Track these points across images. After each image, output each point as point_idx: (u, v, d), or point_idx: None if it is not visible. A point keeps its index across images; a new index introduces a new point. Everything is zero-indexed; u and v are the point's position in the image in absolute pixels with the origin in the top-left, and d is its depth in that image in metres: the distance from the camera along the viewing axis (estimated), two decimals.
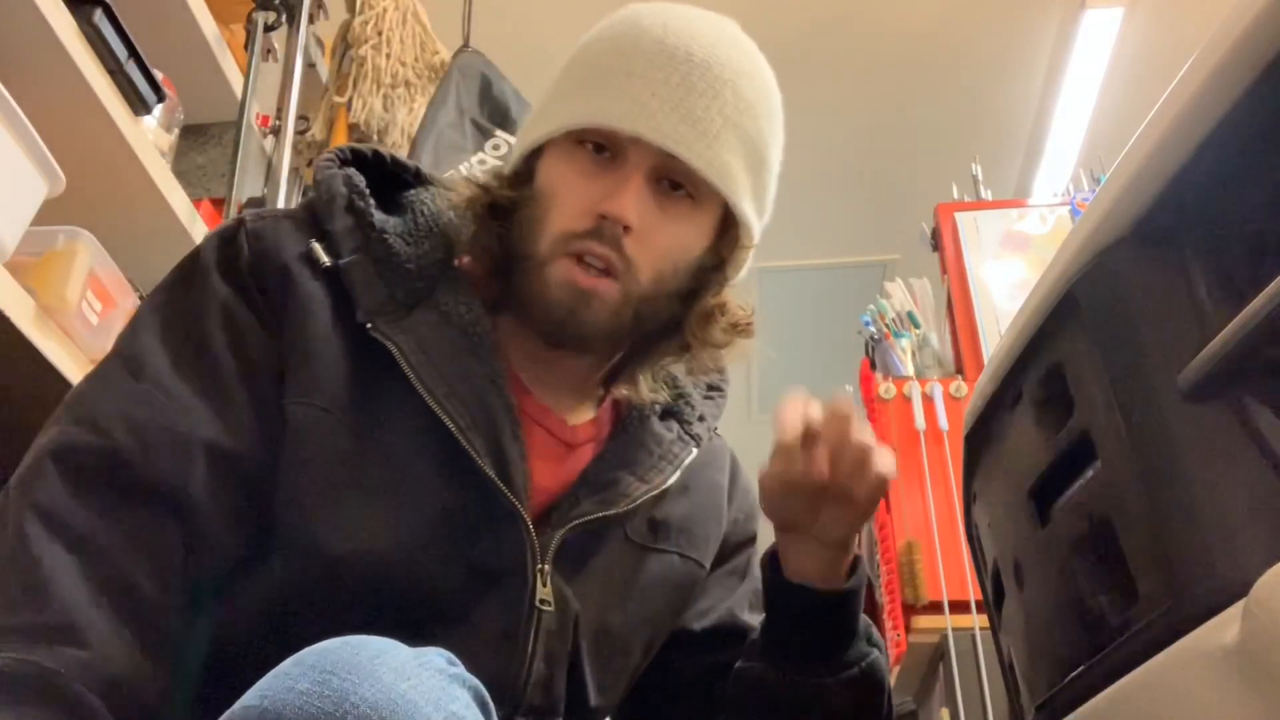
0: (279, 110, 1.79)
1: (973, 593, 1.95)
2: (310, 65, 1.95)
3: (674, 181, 0.81)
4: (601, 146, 0.81)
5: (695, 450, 0.91)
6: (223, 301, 0.79)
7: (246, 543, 0.75)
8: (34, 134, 1.18)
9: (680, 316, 0.86)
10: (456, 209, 0.86)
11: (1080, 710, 0.62)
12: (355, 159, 0.88)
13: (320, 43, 2.06)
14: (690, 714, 0.95)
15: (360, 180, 0.84)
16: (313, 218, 0.84)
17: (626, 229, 0.79)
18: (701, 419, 0.95)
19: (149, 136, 1.54)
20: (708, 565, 0.93)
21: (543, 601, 0.78)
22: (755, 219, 0.86)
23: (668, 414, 0.92)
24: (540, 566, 0.78)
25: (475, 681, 0.60)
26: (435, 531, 0.76)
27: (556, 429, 0.87)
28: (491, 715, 0.62)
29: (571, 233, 0.80)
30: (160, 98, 1.52)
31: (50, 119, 1.27)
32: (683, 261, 0.84)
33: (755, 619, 0.96)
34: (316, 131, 1.91)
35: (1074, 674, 0.63)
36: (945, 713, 1.94)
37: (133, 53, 1.44)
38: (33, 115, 1.18)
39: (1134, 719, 0.56)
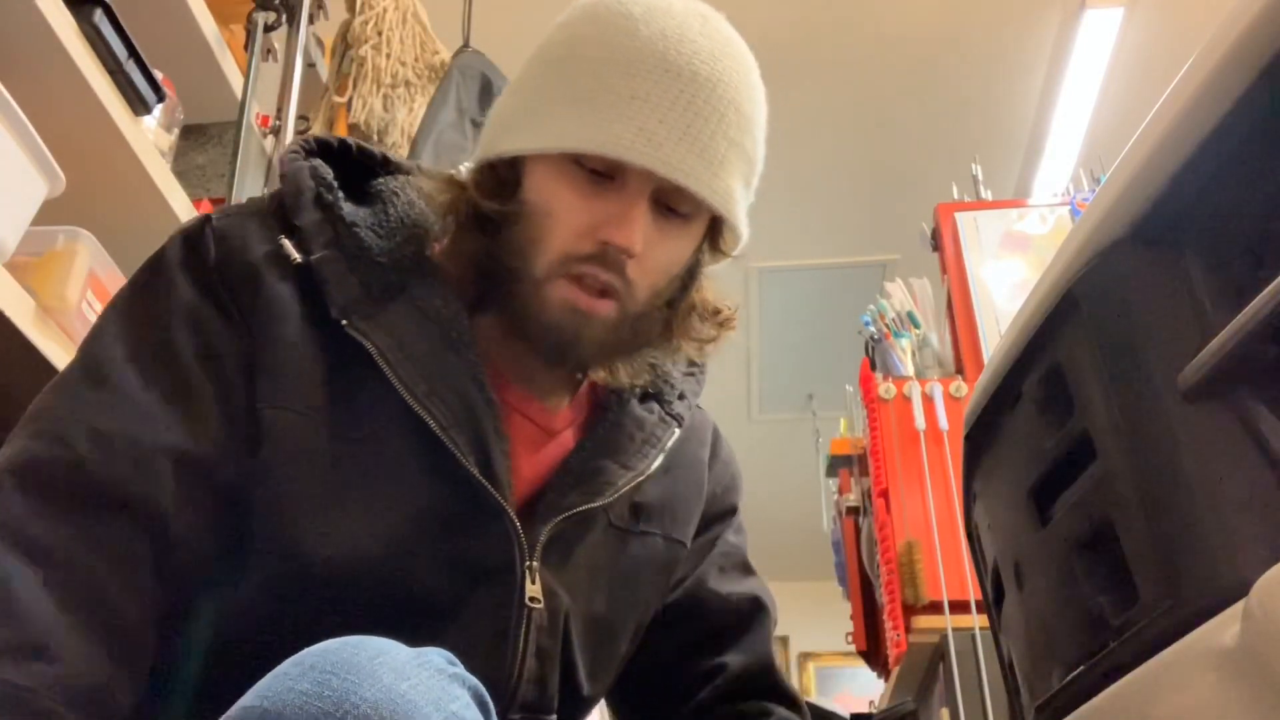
0: (279, 110, 1.79)
1: (973, 593, 1.95)
2: (310, 65, 1.95)
3: (670, 203, 0.80)
4: (601, 169, 0.79)
5: (678, 430, 0.91)
6: (188, 304, 0.77)
7: (224, 548, 0.74)
8: (34, 134, 1.18)
9: (668, 318, 0.86)
10: (435, 208, 0.84)
11: (1080, 710, 0.62)
12: (321, 149, 0.86)
13: (320, 43, 2.06)
14: (670, 695, 0.94)
15: (328, 172, 0.82)
16: (281, 213, 0.82)
17: (630, 254, 0.78)
18: (682, 397, 0.94)
19: (149, 136, 1.54)
20: (689, 543, 0.93)
21: (532, 599, 0.77)
22: (746, 228, 0.85)
23: (648, 395, 0.91)
24: (529, 563, 0.78)
25: (475, 681, 0.60)
26: (420, 531, 0.76)
27: (538, 416, 0.86)
28: (491, 715, 0.62)
29: (573, 255, 0.79)
30: (160, 98, 1.52)
31: (50, 119, 1.27)
32: (675, 273, 0.84)
33: (725, 584, 0.96)
34: (316, 131, 1.91)
35: (1074, 674, 0.63)
36: (945, 713, 1.94)
37: (133, 53, 1.44)
38: (33, 115, 1.18)
39: (1134, 719, 0.56)
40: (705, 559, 0.96)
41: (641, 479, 0.86)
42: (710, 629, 0.95)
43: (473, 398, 0.78)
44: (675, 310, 0.86)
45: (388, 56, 1.98)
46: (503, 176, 0.83)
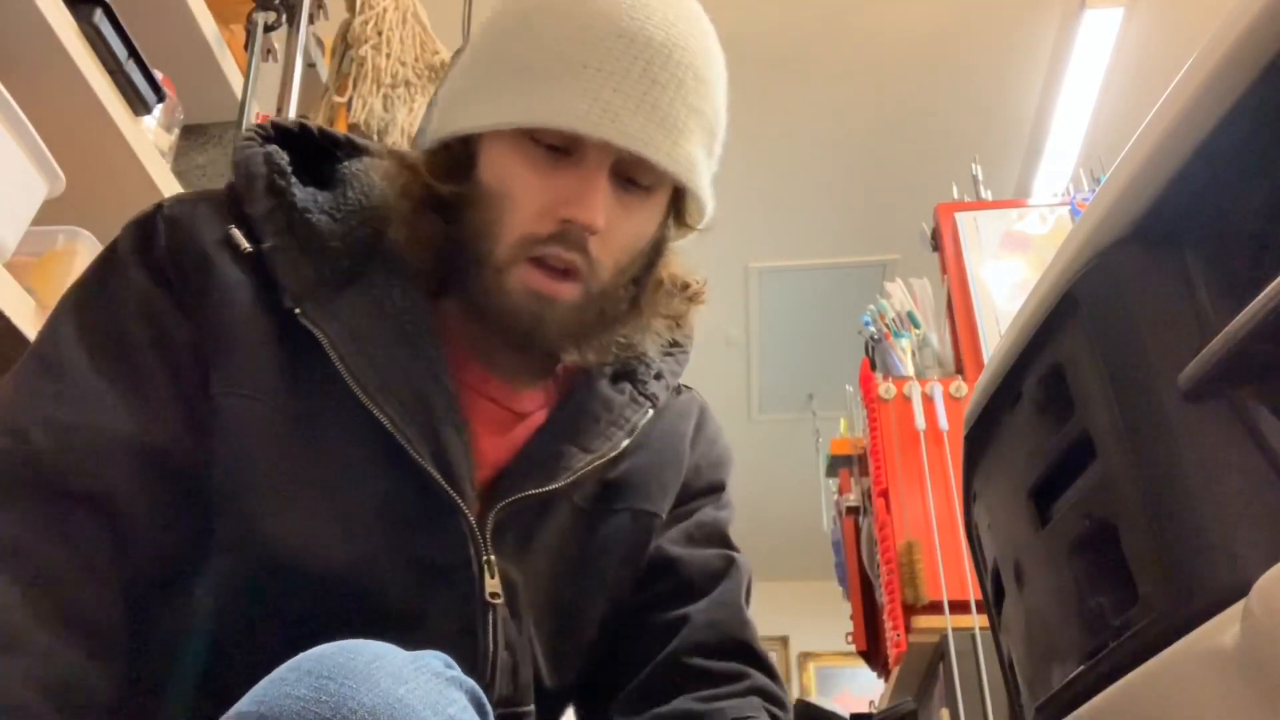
0: (279, 110, 1.79)
1: (973, 593, 1.95)
2: (310, 65, 1.95)
3: (631, 175, 0.78)
4: (557, 144, 0.76)
5: (650, 411, 0.88)
6: (141, 292, 0.76)
7: (191, 539, 0.74)
8: (34, 134, 1.18)
9: (636, 295, 0.84)
10: (390, 191, 0.82)
11: (1080, 710, 0.62)
12: (280, 134, 0.84)
13: (320, 43, 2.06)
14: (632, 656, 0.88)
15: (282, 158, 0.81)
16: (234, 200, 0.81)
17: (592, 231, 0.76)
18: (659, 377, 0.91)
19: (149, 136, 1.54)
20: (663, 514, 0.89)
21: (492, 594, 0.76)
22: (711, 199, 0.83)
23: (621, 375, 0.89)
24: (486, 558, 0.76)
25: (472, 684, 0.60)
26: (377, 527, 0.75)
27: (503, 398, 0.84)
28: (488, 716, 0.62)
29: (533, 237, 0.77)
30: (160, 98, 1.52)
31: (50, 119, 1.27)
32: (639, 248, 0.82)
33: (695, 548, 0.90)
34: None
35: (1074, 674, 0.62)
36: (945, 713, 1.94)
37: (133, 53, 1.44)
38: (33, 115, 1.18)
39: (1134, 719, 0.56)
40: (677, 527, 0.91)
41: (602, 461, 0.83)
42: (675, 584, 0.89)
43: (427, 390, 0.77)
44: (642, 287, 0.84)
45: (388, 56, 1.97)
46: (457, 156, 0.81)
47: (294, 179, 0.80)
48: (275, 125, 0.85)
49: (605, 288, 0.80)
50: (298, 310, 0.76)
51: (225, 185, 0.83)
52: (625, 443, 0.85)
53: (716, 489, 0.96)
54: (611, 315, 0.83)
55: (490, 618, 0.76)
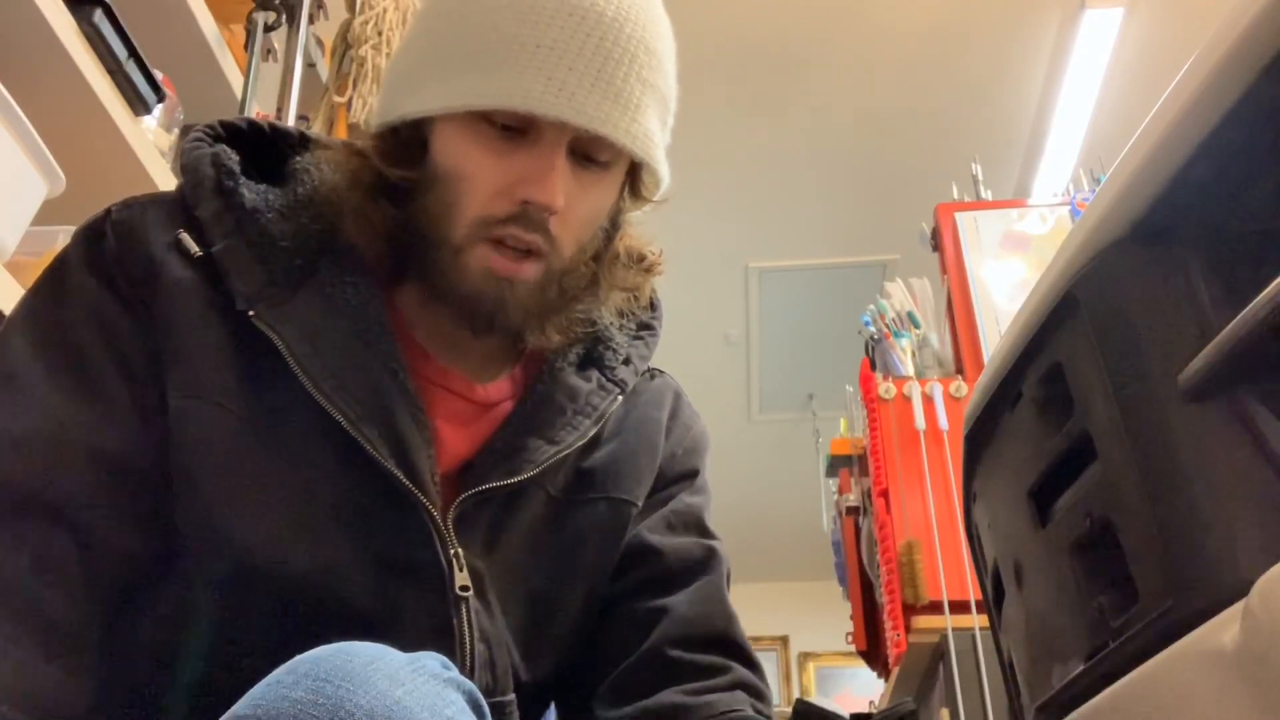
0: (279, 110, 1.79)
1: (973, 593, 1.95)
2: (310, 65, 1.95)
3: (588, 152, 0.78)
4: (513, 125, 0.76)
5: (619, 397, 0.87)
6: (91, 299, 0.76)
7: (154, 541, 0.74)
8: (34, 134, 1.18)
9: (594, 270, 0.84)
10: (340, 182, 0.81)
11: (1080, 710, 0.62)
12: (231, 133, 0.84)
13: (320, 43, 2.06)
14: (611, 647, 0.87)
15: (230, 158, 0.80)
16: (184, 202, 0.80)
17: (552, 212, 0.76)
18: (627, 362, 0.90)
19: (149, 136, 1.54)
20: (639, 502, 0.88)
21: (463, 588, 0.75)
22: (666, 171, 0.83)
23: (588, 362, 0.88)
24: (454, 551, 0.76)
25: (470, 685, 0.60)
26: (342, 528, 0.74)
27: (466, 391, 0.84)
28: (485, 717, 0.61)
29: (491, 218, 0.76)
30: (160, 98, 1.52)
31: (50, 119, 1.27)
32: (599, 224, 0.82)
33: (673, 536, 0.90)
34: (317, 130, 1.91)
35: (1074, 674, 0.63)
36: (945, 713, 1.94)
37: (133, 53, 1.44)
38: (33, 115, 1.18)
39: (1134, 719, 0.56)
40: (654, 514, 0.90)
41: (570, 452, 0.83)
42: (654, 574, 0.88)
43: (385, 388, 0.76)
44: (601, 262, 0.84)
45: (388, 56, 1.97)
46: (407, 141, 0.80)
47: (243, 179, 0.79)
48: (224, 124, 0.84)
49: (567, 265, 0.80)
50: (251, 313, 0.75)
51: (176, 188, 0.82)
52: (592, 431, 0.85)
53: (691, 475, 0.94)
54: (572, 292, 0.82)
55: (464, 611, 0.75)
